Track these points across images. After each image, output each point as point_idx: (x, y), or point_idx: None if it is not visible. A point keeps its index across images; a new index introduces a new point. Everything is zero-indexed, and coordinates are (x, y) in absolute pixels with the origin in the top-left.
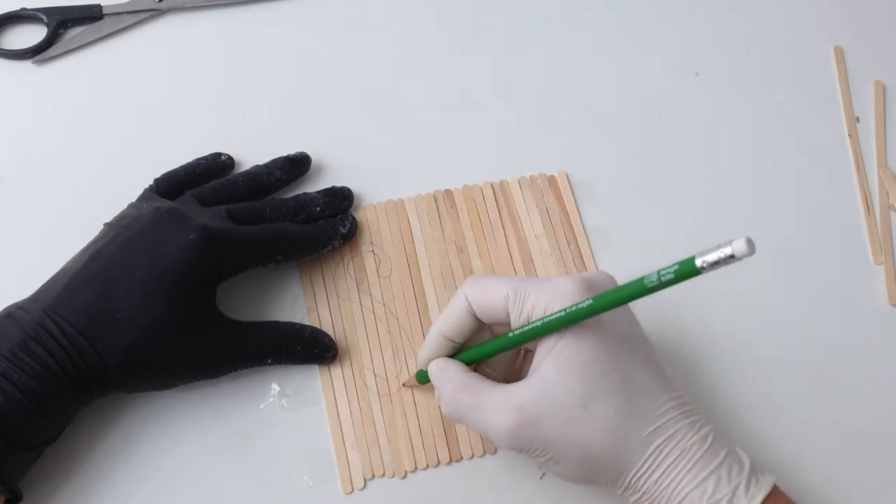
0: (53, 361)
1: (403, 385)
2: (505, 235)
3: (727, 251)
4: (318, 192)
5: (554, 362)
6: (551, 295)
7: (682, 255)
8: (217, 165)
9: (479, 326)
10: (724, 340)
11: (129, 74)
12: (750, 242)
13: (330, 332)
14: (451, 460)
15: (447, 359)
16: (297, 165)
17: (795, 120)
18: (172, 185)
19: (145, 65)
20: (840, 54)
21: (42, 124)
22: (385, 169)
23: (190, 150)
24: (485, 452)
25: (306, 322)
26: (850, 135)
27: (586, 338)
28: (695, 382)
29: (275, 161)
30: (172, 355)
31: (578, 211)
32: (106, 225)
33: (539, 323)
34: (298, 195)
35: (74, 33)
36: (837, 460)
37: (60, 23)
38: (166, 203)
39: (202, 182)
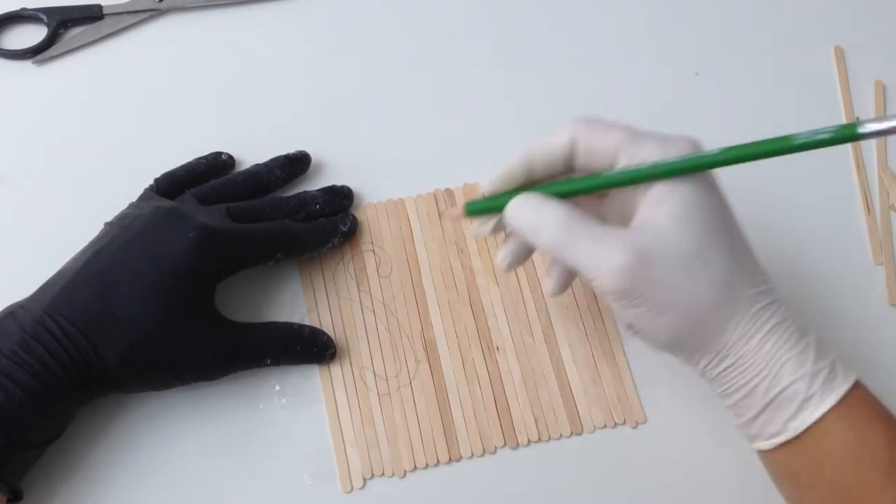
0: (53, 360)
1: (442, 217)
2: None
3: (893, 123)
4: (318, 190)
5: (669, 212)
6: (671, 148)
7: None
8: (217, 164)
9: (567, 170)
10: None
11: (129, 74)
12: None
13: (330, 331)
14: (450, 460)
15: (543, 194)
16: (297, 164)
17: (795, 120)
18: (173, 185)
19: (145, 65)
20: (840, 54)
21: (42, 124)
22: (385, 168)
23: (190, 150)
24: (484, 452)
25: (306, 321)
26: None
27: (700, 197)
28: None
29: (275, 160)
30: (172, 355)
31: None
32: (106, 224)
33: (649, 166)
34: (298, 193)
35: (74, 33)
36: None
37: (60, 23)
38: (166, 202)
39: (202, 181)
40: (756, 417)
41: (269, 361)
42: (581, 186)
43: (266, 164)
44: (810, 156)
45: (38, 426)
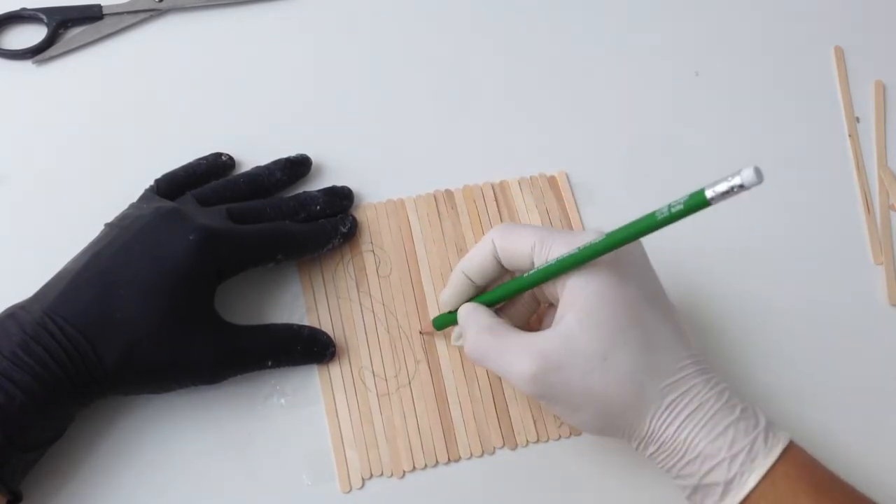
0: (53, 362)
1: (420, 333)
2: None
3: (736, 181)
4: (318, 191)
5: (577, 315)
6: (577, 242)
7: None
8: (217, 166)
9: (502, 272)
10: (724, 340)
11: (129, 74)
12: (758, 171)
13: (329, 331)
14: (449, 460)
15: (476, 304)
16: (298, 167)
17: (795, 120)
18: (173, 186)
19: (145, 65)
20: (840, 54)
21: (42, 124)
22: (385, 169)
23: (190, 150)
24: (483, 453)
25: (305, 322)
26: (850, 135)
27: (609, 293)
28: None
29: (275, 162)
30: (172, 357)
31: (578, 211)
32: (107, 225)
33: (554, 262)
34: (298, 194)
35: (74, 33)
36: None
37: (60, 23)
38: (167, 203)
39: (203, 182)
40: (692, 496)
41: (269, 364)
42: (501, 293)
43: (267, 167)
44: (810, 156)
45: (38, 427)
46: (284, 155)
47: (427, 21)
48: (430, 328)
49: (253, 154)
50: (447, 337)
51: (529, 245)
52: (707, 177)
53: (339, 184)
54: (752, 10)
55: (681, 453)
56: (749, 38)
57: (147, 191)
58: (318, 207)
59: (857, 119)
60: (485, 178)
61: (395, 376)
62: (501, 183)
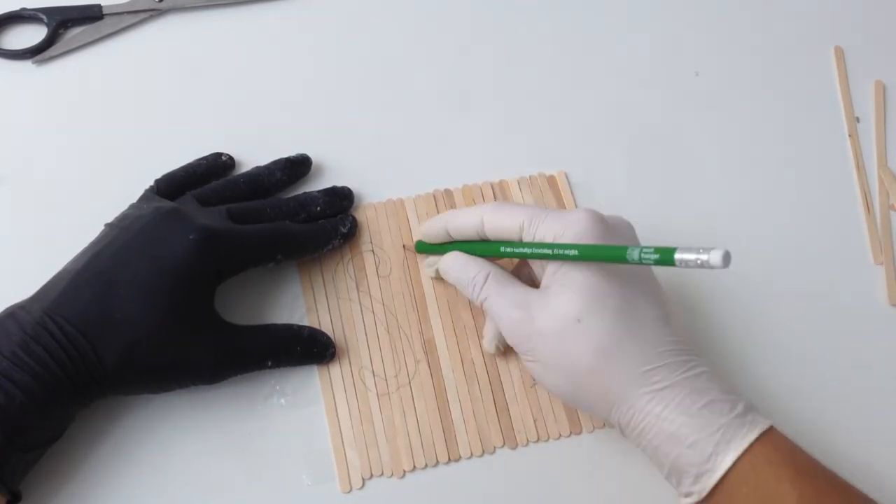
0: (53, 362)
1: (404, 247)
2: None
3: (704, 257)
4: (318, 191)
5: (557, 282)
6: (565, 225)
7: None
8: (217, 166)
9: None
10: (723, 341)
11: (130, 75)
12: (726, 257)
13: (329, 331)
14: (449, 460)
15: (466, 255)
16: (298, 167)
17: (795, 120)
18: (173, 186)
19: (145, 65)
20: (840, 54)
21: (42, 124)
22: (385, 169)
23: (190, 151)
24: (483, 452)
25: (305, 322)
26: (850, 135)
27: (589, 266)
28: None
29: (275, 162)
30: (172, 357)
31: None
32: (106, 225)
33: (527, 249)
34: (298, 195)
35: (74, 33)
36: (834, 464)
37: (60, 23)
38: (167, 203)
39: (203, 183)
40: (669, 477)
41: (269, 364)
42: (482, 252)
43: (267, 167)
44: (810, 156)
45: (38, 427)
46: (284, 155)
47: (427, 21)
48: (411, 245)
49: (253, 154)
50: (447, 337)
51: (519, 223)
52: (706, 177)
53: (339, 184)
54: (752, 10)
55: (656, 432)
56: (749, 38)
57: (147, 191)
58: (319, 208)
59: (857, 119)
60: (484, 177)
61: (395, 376)
62: (501, 182)
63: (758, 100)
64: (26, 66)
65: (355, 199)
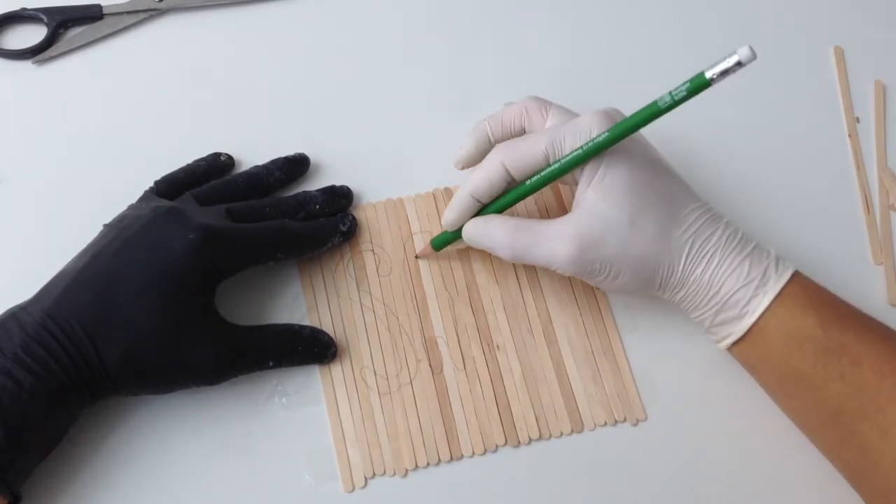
0: (55, 362)
1: (416, 257)
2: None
3: (734, 59)
4: (317, 190)
5: (597, 192)
6: (583, 132)
7: None
8: (217, 165)
9: (509, 185)
10: None
11: (129, 74)
12: (752, 49)
13: (330, 331)
14: (451, 458)
15: (484, 216)
16: (297, 166)
17: (795, 120)
18: (173, 187)
19: (145, 65)
20: (840, 54)
21: (42, 124)
22: (385, 168)
23: (190, 150)
24: (485, 450)
25: (306, 322)
26: (850, 135)
27: (620, 166)
28: None
29: (274, 161)
30: (173, 357)
31: None
32: (105, 226)
33: (557, 165)
34: (298, 193)
35: (74, 33)
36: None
37: (60, 23)
38: (166, 203)
39: (202, 183)
40: (712, 326)
41: (270, 364)
42: (505, 203)
43: (265, 166)
44: (810, 156)
45: (40, 429)
46: (283, 154)
47: (427, 21)
48: (428, 251)
49: (253, 154)
50: (448, 336)
51: (542, 151)
52: (706, 177)
53: (339, 183)
54: (752, 10)
55: (706, 289)
56: (749, 38)
57: (147, 192)
58: (318, 207)
59: (857, 119)
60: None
61: (397, 375)
62: None
63: (757, 99)
64: (26, 66)
65: (354, 199)
